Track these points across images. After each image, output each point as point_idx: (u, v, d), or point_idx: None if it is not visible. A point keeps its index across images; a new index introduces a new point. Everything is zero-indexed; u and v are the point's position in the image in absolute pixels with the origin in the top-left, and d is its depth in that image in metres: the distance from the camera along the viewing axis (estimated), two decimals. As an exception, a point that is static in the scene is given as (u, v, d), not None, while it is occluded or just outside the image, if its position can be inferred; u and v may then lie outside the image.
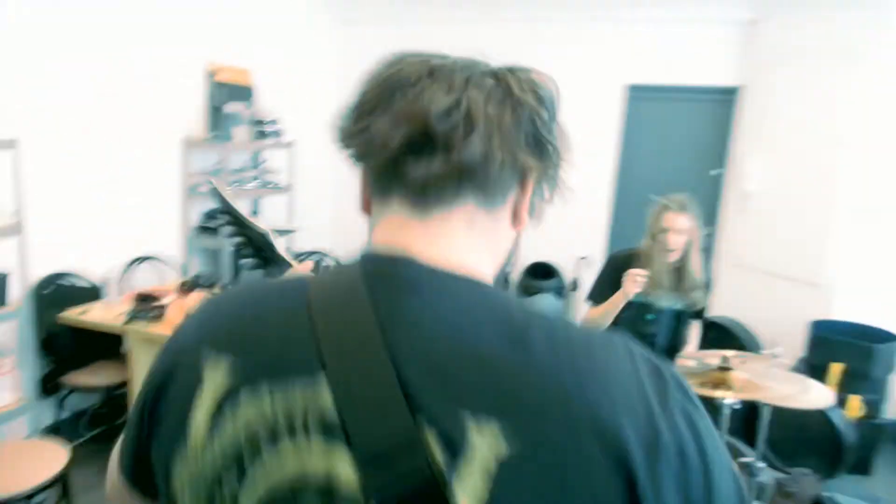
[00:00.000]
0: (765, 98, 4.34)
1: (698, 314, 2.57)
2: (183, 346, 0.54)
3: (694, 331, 2.59)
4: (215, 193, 1.10)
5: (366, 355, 0.45)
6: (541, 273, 4.96)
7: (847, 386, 3.12)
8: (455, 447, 0.42)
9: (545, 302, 4.79)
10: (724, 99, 4.74)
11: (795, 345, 3.52)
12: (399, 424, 0.42)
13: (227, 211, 1.05)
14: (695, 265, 2.48)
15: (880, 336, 3.19)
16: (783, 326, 3.64)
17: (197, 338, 0.53)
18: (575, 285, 4.99)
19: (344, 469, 0.43)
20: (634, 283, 2.32)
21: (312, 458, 0.43)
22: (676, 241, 2.44)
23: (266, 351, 0.49)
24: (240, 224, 1.05)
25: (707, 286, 2.54)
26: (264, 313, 0.52)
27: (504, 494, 0.41)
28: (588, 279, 5.03)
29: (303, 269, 1.02)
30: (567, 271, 5.00)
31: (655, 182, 4.99)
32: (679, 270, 2.48)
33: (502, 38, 4.97)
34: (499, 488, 0.41)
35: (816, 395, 1.81)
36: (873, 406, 3.18)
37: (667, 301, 2.53)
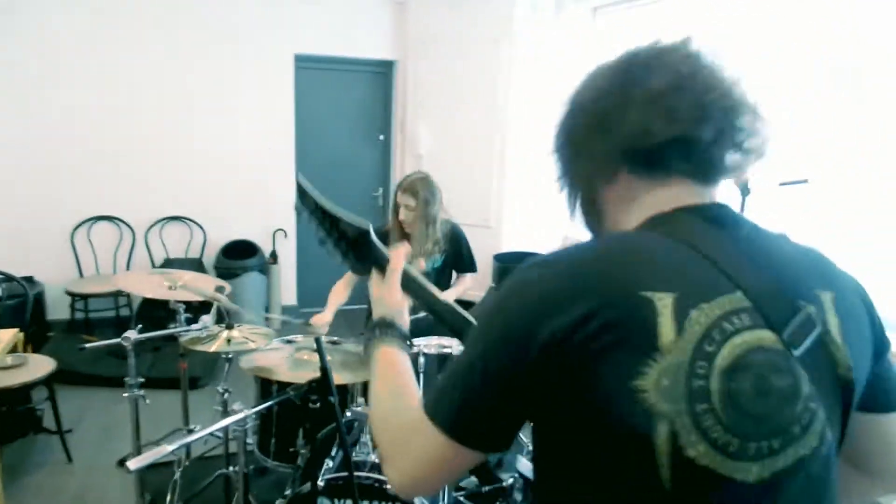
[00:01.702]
0: (417, 72, 5.01)
1: (471, 268, 3.02)
2: (602, 294, 0.64)
3: (465, 280, 3.05)
4: (301, 190, 0.97)
5: (755, 270, 0.69)
6: (238, 252, 4.76)
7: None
8: (818, 306, 0.70)
9: (251, 280, 4.66)
10: (383, 72, 5.27)
11: (486, 277, 4.37)
12: (790, 304, 0.69)
13: (318, 207, 0.97)
14: (423, 234, 2.81)
15: (542, 259, 4.25)
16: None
17: (617, 285, 0.65)
18: (275, 258, 4.96)
19: (768, 335, 0.66)
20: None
21: (751, 335, 0.65)
22: (406, 216, 2.79)
23: (691, 282, 0.66)
24: (333, 220, 0.98)
25: (451, 248, 2.93)
26: (666, 260, 0.68)
27: (846, 329, 0.71)
28: (286, 251, 5.08)
29: (397, 256, 1.02)
30: (265, 246, 4.92)
31: (331, 149, 5.28)
32: (416, 238, 2.82)
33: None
34: (842, 324, 0.71)
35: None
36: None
37: (426, 264, 2.89)
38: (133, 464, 1.66)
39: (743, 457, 0.62)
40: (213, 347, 2.32)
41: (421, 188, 2.79)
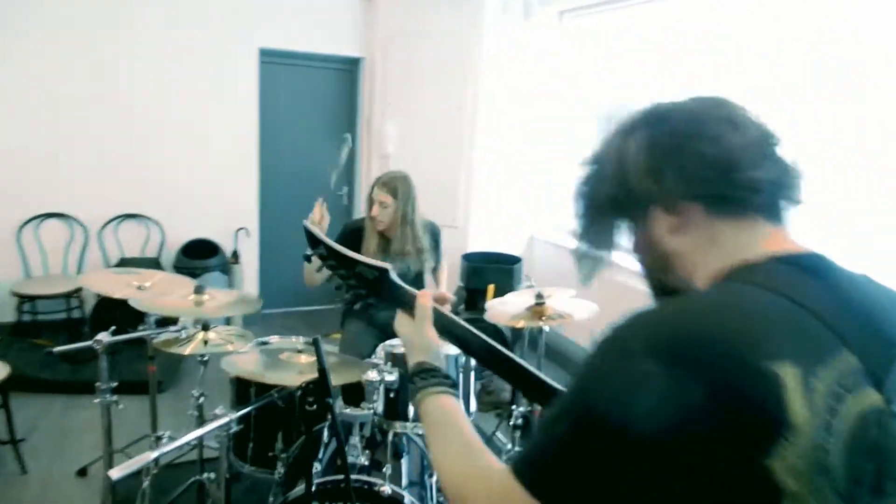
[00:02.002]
0: (384, 69, 4.96)
1: (439, 262, 3.01)
2: (720, 367, 0.61)
3: (443, 275, 3.03)
4: (311, 237, 0.94)
5: (857, 325, 0.67)
6: (199, 252, 4.61)
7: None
8: None
9: (212, 280, 4.51)
10: (350, 69, 5.20)
11: (455, 277, 4.36)
12: (892, 359, 0.67)
13: (332, 252, 0.94)
14: (403, 235, 2.79)
15: (510, 259, 4.28)
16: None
17: (735, 356, 0.61)
18: (237, 258, 4.83)
19: (875, 396, 0.65)
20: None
21: (862, 397, 0.64)
22: (380, 213, 2.74)
23: (807, 346, 0.64)
24: (349, 264, 0.95)
25: (430, 248, 2.90)
26: (779, 322, 0.65)
27: None
28: (248, 250, 4.94)
29: (424, 294, 0.98)
30: (226, 245, 4.78)
31: (296, 146, 5.17)
32: (394, 238, 2.78)
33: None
34: None
35: (587, 310, 2.44)
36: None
37: (401, 265, 2.85)
38: (116, 472, 1.58)
39: None
40: (188, 350, 2.23)
41: (401, 187, 2.76)
